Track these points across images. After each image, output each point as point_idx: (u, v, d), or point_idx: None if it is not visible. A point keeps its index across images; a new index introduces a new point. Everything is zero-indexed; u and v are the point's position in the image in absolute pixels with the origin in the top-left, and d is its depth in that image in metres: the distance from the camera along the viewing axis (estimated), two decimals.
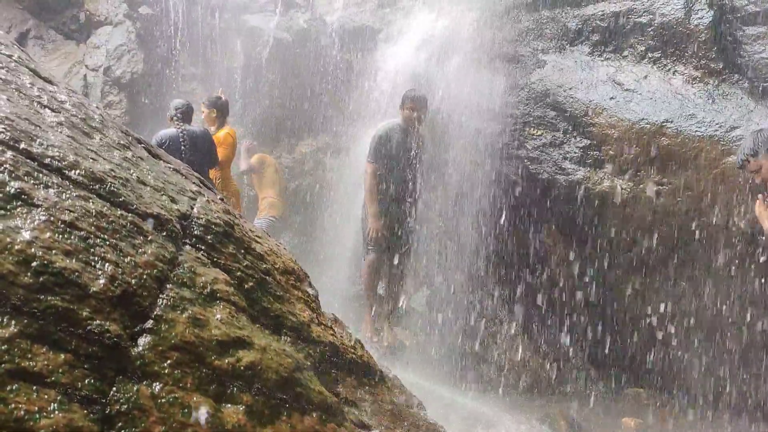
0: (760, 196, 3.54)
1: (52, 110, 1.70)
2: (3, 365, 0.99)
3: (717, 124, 4.48)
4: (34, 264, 1.14)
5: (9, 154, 1.31)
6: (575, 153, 5.07)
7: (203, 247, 1.65)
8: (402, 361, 4.94)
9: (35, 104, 1.66)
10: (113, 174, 1.56)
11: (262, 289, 1.74)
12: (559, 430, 4.31)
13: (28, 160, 1.35)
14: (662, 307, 4.82)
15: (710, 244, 4.50)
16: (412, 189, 5.18)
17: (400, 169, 5.10)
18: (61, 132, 1.59)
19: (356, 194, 5.65)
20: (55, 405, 1.01)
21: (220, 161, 5.77)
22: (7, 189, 1.23)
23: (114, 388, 1.12)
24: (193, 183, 2.06)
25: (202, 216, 1.76)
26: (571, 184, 5.06)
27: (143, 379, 1.18)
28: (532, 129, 5.33)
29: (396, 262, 5.20)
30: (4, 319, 1.04)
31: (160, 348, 1.25)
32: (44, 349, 1.06)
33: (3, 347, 1.00)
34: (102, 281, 1.23)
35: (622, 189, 4.81)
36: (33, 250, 1.16)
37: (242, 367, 1.38)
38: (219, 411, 1.26)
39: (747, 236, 4.31)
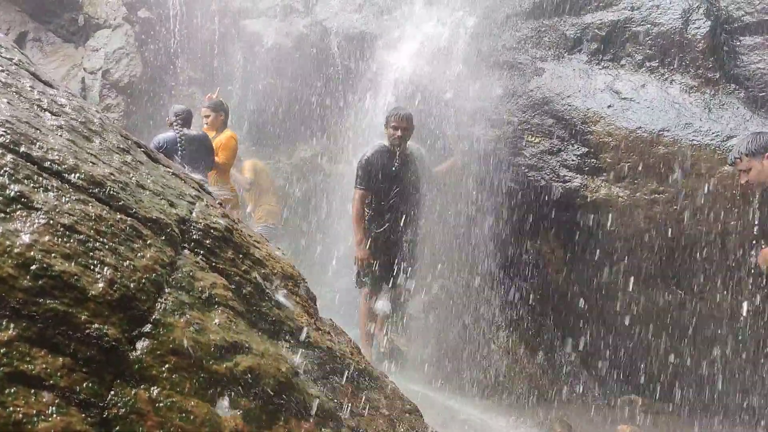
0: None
1: (52, 114, 1.70)
2: (1, 368, 0.99)
3: (714, 133, 4.50)
4: (33, 267, 1.14)
5: (9, 157, 1.31)
6: (573, 160, 5.09)
7: (202, 252, 1.65)
8: (399, 367, 4.94)
9: (35, 107, 1.67)
10: (113, 178, 1.56)
11: (260, 294, 1.74)
12: None
13: (28, 164, 1.35)
14: (658, 314, 4.82)
15: (705, 252, 4.51)
16: (406, 212, 5.00)
17: (391, 192, 4.93)
18: (60, 135, 1.59)
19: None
20: (53, 408, 1.01)
21: (222, 164, 5.76)
22: (7, 192, 1.23)
23: (112, 392, 1.12)
24: (192, 187, 2.07)
25: (200, 220, 1.76)
26: (568, 191, 5.08)
27: (141, 383, 1.18)
28: (531, 136, 5.35)
29: (395, 289, 5.05)
30: (3, 322, 1.04)
31: (159, 352, 1.25)
32: (43, 353, 1.06)
33: (2, 350, 1.01)
34: (101, 285, 1.23)
35: (619, 197, 4.83)
36: (32, 253, 1.16)
37: (240, 372, 1.38)
38: (217, 415, 1.26)
39: (742, 245, 4.32)
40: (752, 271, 4.22)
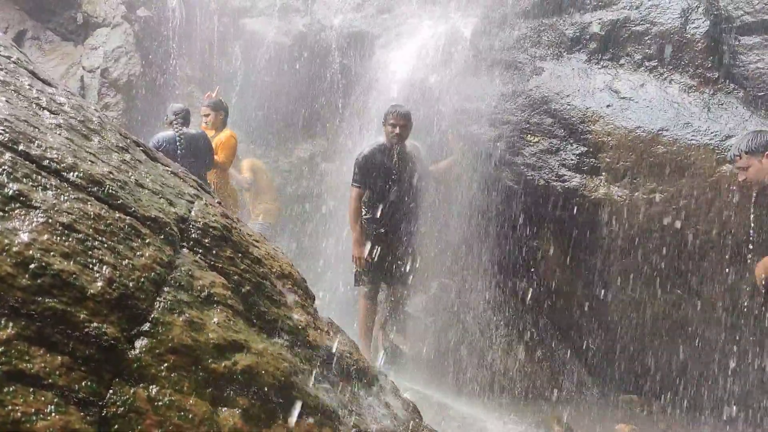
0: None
1: (51, 112, 1.70)
2: (0, 367, 0.99)
3: (712, 132, 4.50)
4: (32, 266, 1.14)
5: (7, 155, 1.31)
6: (572, 160, 5.09)
7: (201, 251, 1.65)
8: (397, 366, 4.94)
9: (34, 106, 1.67)
10: (111, 177, 1.56)
11: (259, 293, 1.74)
12: None
13: (27, 162, 1.35)
14: (656, 313, 4.83)
15: (704, 252, 4.52)
16: (404, 210, 4.97)
17: (389, 190, 4.89)
18: (59, 134, 1.59)
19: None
20: (52, 407, 1.01)
21: (222, 163, 5.76)
22: (6, 191, 1.23)
23: (111, 391, 1.12)
24: (191, 186, 2.07)
25: (199, 219, 1.76)
26: (567, 191, 5.08)
27: (140, 382, 1.18)
28: (530, 135, 5.35)
29: (394, 288, 5.03)
30: (2, 321, 1.04)
31: (157, 351, 1.25)
32: (41, 351, 1.06)
33: (1, 349, 1.00)
34: (100, 284, 1.23)
35: (618, 196, 4.83)
36: (31, 252, 1.16)
37: (239, 371, 1.38)
38: (215, 414, 1.26)
39: (741, 244, 4.33)
40: (748, 274, 4.22)
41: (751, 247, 4.16)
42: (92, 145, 1.69)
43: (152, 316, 1.30)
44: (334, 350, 1.92)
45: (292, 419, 1.44)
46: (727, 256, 4.42)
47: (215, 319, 1.44)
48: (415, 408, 2.24)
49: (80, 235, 1.29)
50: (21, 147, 1.37)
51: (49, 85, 1.93)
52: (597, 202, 4.93)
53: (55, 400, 1.02)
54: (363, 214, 4.97)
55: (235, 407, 1.31)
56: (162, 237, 1.53)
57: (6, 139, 1.36)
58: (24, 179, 1.29)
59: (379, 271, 4.97)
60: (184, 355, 1.29)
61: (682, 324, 4.74)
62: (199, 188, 2.13)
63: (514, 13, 5.92)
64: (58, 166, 1.41)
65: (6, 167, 1.28)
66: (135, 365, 1.19)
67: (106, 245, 1.33)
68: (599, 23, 5.32)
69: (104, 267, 1.27)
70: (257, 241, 2.04)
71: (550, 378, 5.37)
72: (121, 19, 7.95)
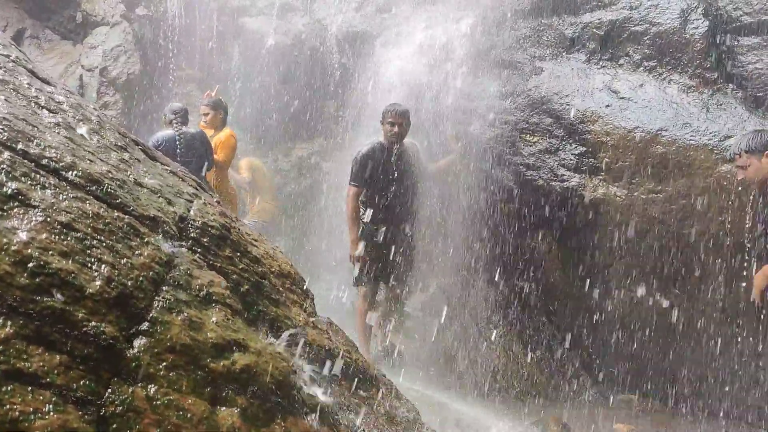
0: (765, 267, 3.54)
1: (50, 111, 1.70)
2: None
3: (711, 133, 4.51)
4: (30, 265, 1.14)
5: (6, 154, 1.31)
6: (571, 160, 5.09)
7: (199, 250, 1.65)
8: (396, 365, 4.94)
9: (33, 105, 1.66)
10: (110, 176, 1.56)
11: (257, 293, 1.74)
12: None
13: (26, 161, 1.35)
14: (655, 314, 4.83)
15: (703, 252, 4.52)
16: (403, 209, 4.94)
17: (388, 189, 4.87)
18: (58, 133, 1.59)
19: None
20: (50, 406, 1.01)
21: (222, 162, 5.75)
22: (4, 189, 1.23)
23: (109, 390, 1.12)
24: (190, 185, 2.06)
25: (198, 218, 1.76)
26: (566, 191, 5.08)
27: (138, 381, 1.18)
28: (529, 135, 5.35)
29: (393, 288, 5.02)
30: (0, 320, 1.04)
31: (156, 350, 1.25)
32: (40, 350, 1.06)
33: None
34: (98, 283, 1.23)
35: (616, 196, 4.84)
36: (29, 251, 1.16)
37: (237, 370, 1.38)
38: (214, 413, 1.26)
39: (739, 244, 4.33)
40: (745, 280, 4.22)
41: (749, 247, 4.16)
42: (91, 144, 1.69)
43: (151, 315, 1.30)
44: (333, 350, 1.92)
45: (291, 419, 1.44)
46: (725, 256, 4.42)
47: (214, 319, 1.44)
48: (414, 407, 2.24)
49: (79, 234, 1.28)
50: (20, 146, 1.37)
51: (48, 83, 1.93)
52: (596, 201, 4.93)
53: (54, 399, 1.02)
54: (361, 213, 4.95)
55: (233, 406, 1.31)
56: (161, 236, 1.53)
57: (5, 137, 1.35)
58: (23, 178, 1.29)
59: (377, 270, 4.96)
60: (182, 354, 1.29)
61: (681, 324, 4.74)
62: (198, 187, 2.13)
63: (514, 13, 5.92)
64: (56, 165, 1.41)
65: (5, 166, 1.27)
66: (133, 364, 1.19)
67: (104, 244, 1.33)
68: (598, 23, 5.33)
69: (103, 266, 1.27)
70: (256, 240, 2.04)
71: (549, 378, 5.38)
72: (120, 17, 7.94)
